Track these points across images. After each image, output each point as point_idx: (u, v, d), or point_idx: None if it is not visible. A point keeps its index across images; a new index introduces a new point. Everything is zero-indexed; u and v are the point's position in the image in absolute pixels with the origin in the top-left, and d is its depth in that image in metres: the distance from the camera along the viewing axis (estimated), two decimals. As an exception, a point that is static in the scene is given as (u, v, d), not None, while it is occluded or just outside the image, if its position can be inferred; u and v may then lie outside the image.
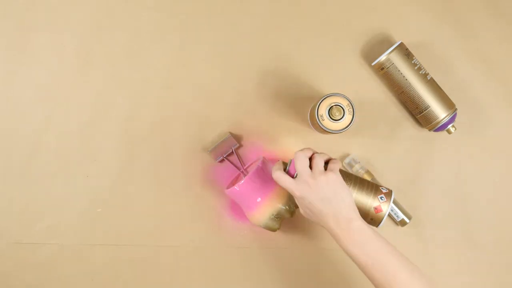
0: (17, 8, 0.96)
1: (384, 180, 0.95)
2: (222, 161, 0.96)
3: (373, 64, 0.92)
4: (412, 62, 0.91)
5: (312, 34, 0.97)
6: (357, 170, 0.94)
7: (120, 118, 0.96)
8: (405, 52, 0.91)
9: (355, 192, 0.80)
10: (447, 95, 0.92)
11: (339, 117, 0.84)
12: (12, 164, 0.96)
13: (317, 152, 0.81)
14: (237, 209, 0.95)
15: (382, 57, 0.90)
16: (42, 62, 0.96)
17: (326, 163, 0.80)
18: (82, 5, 0.96)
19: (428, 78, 0.91)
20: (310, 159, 0.79)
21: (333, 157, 0.82)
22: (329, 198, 0.75)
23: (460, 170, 0.96)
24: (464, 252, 0.96)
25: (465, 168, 0.96)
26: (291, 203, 0.88)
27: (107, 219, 0.96)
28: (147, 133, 0.96)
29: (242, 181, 0.85)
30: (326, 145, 0.96)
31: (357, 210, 0.77)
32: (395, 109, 0.97)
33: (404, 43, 0.92)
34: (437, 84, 0.92)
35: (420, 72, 0.91)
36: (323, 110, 0.85)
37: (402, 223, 0.94)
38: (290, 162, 0.80)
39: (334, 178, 0.76)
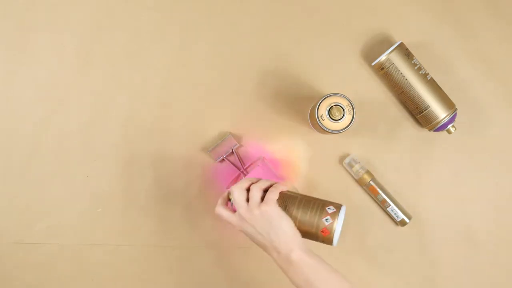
0: (17, 8, 0.96)
1: (384, 180, 0.95)
2: (222, 161, 0.96)
3: (373, 64, 0.92)
4: (412, 62, 0.91)
5: (312, 34, 0.97)
6: (357, 170, 0.94)
7: (120, 118, 0.96)
8: (405, 52, 0.91)
9: (299, 216, 0.76)
10: (447, 95, 0.92)
11: (339, 117, 0.84)
12: (12, 164, 0.96)
13: (256, 182, 0.78)
14: (237, 209, 0.95)
15: (382, 57, 0.90)
16: (42, 62, 0.96)
17: (267, 190, 0.77)
18: (82, 5, 0.96)
19: (428, 78, 0.91)
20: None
21: (275, 181, 0.79)
22: (266, 231, 0.74)
23: (460, 170, 0.96)
24: (464, 252, 0.96)
25: (465, 168, 0.96)
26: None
27: (107, 219, 0.96)
28: (147, 133, 0.96)
29: (242, 181, 0.85)
30: (326, 145, 0.96)
31: (298, 238, 0.74)
32: (395, 109, 0.97)
33: (404, 43, 0.92)
34: (437, 84, 0.92)
35: (420, 72, 0.91)
36: (323, 110, 0.85)
37: (402, 223, 0.94)
38: None
39: (269, 210, 0.74)
